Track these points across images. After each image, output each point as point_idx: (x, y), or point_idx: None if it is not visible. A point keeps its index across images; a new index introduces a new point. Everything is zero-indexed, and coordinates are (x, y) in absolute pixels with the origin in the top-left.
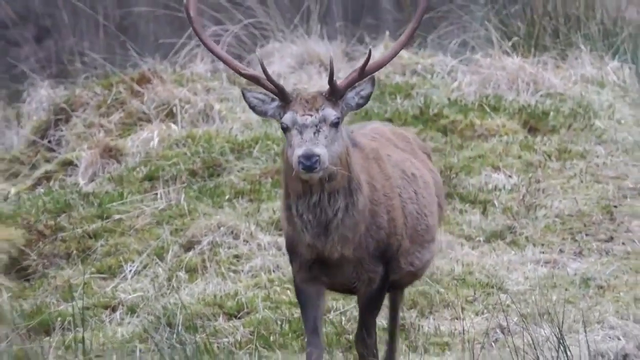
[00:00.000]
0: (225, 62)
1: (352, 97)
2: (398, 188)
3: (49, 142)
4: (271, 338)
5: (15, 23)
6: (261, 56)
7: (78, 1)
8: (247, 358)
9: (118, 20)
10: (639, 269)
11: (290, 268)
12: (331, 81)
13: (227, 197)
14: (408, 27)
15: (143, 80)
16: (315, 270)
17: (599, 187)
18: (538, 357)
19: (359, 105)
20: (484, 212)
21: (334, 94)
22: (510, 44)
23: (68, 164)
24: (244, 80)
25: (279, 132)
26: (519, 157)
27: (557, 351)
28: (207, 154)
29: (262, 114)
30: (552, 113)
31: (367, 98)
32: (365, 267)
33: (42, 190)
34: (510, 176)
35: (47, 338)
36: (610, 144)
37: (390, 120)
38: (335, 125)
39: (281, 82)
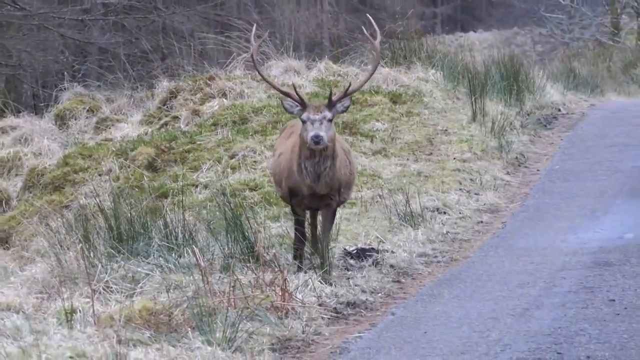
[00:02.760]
0: (272, 85)
1: (339, 106)
2: (342, 158)
3: (166, 107)
4: (271, 200)
5: (151, 52)
6: (265, 69)
7: (179, 44)
8: (259, 209)
9: (200, 50)
10: (443, 168)
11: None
12: (330, 98)
13: (250, 133)
14: (368, 72)
15: (211, 78)
16: (306, 200)
17: (425, 129)
18: (397, 209)
19: (343, 111)
20: (371, 141)
21: (330, 105)
22: (383, 62)
23: (176, 117)
24: (259, 78)
25: (276, 103)
26: (388, 114)
27: (405, 207)
28: (240, 113)
29: (291, 113)
30: (403, 94)
31: (347, 107)
32: (330, 197)
33: (163, 130)
34: (384, 124)
35: (165, 200)
36: (431, 109)
37: (327, 97)
38: (330, 121)
39: (275, 80)
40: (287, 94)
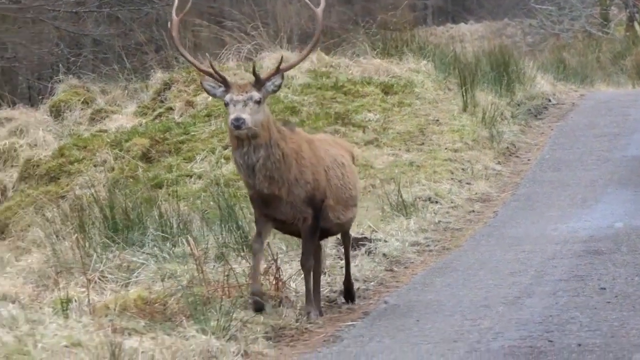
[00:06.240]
0: (191, 62)
1: (269, 85)
2: (327, 165)
3: (161, 98)
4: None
5: (145, 43)
6: (258, 60)
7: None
8: None
9: (194, 42)
10: (435, 157)
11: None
12: (255, 75)
13: None
14: (307, 48)
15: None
16: (263, 208)
17: (417, 119)
18: (389, 198)
19: (274, 91)
20: (364, 132)
21: (258, 83)
22: (375, 53)
23: (170, 109)
24: (251, 69)
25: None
26: (380, 105)
27: (397, 196)
28: None
29: (213, 95)
30: (395, 84)
31: (279, 86)
32: (297, 209)
33: (157, 121)
34: (376, 114)
35: (160, 190)
36: (422, 99)
37: (319, 88)
38: (258, 102)
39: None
40: (207, 73)
